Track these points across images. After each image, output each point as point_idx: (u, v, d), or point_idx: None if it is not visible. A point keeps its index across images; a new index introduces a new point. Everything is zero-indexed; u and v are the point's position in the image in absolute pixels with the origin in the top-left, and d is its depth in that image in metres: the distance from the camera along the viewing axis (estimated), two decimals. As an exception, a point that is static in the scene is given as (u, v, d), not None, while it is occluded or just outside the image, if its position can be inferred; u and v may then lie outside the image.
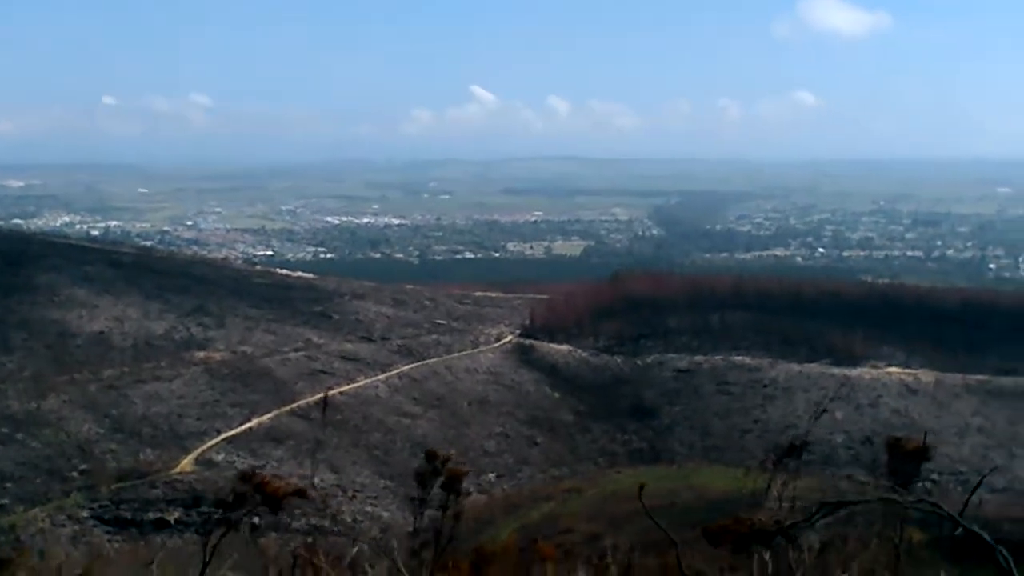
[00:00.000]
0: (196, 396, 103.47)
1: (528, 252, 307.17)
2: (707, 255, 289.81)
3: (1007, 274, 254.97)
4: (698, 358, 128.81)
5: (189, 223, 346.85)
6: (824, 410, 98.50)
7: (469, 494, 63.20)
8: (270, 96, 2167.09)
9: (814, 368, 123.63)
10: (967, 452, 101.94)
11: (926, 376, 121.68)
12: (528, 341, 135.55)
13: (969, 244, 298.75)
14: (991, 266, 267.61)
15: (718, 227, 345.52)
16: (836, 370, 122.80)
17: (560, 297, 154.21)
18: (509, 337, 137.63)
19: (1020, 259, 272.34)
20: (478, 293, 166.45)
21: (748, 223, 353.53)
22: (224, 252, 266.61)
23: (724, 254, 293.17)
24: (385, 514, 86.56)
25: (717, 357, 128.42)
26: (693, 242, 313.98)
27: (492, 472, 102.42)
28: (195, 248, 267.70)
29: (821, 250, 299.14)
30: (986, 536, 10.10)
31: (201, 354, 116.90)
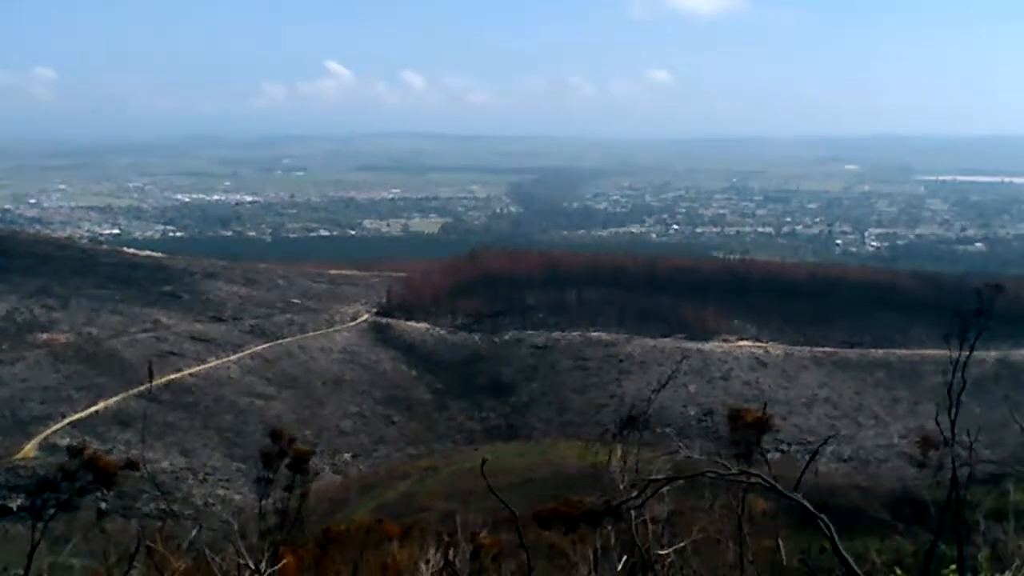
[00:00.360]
0: (39, 380, 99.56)
1: (385, 229, 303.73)
2: (565, 232, 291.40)
3: (853, 249, 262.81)
4: (555, 334, 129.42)
5: (32, 201, 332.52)
6: (665, 384, 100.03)
7: (317, 474, 62.16)
8: (117, 69, 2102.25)
9: (668, 343, 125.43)
10: (814, 422, 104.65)
11: (775, 349, 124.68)
12: (385, 319, 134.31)
13: (817, 220, 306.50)
14: (838, 241, 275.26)
15: (575, 204, 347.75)
16: (690, 344, 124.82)
17: (418, 275, 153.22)
18: (365, 316, 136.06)
19: (866, 234, 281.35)
20: (333, 271, 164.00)
21: (604, 200, 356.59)
22: (69, 231, 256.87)
23: (581, 231, 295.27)
24: (237, 496, 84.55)
25: (574, 333, 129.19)
26: (551, 219, 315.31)
27: (348, 452, 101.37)
28: (38, 227, 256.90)
29: (676, 227, 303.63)
30: (808, 505, 9.95)
31: (45, 336, 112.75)
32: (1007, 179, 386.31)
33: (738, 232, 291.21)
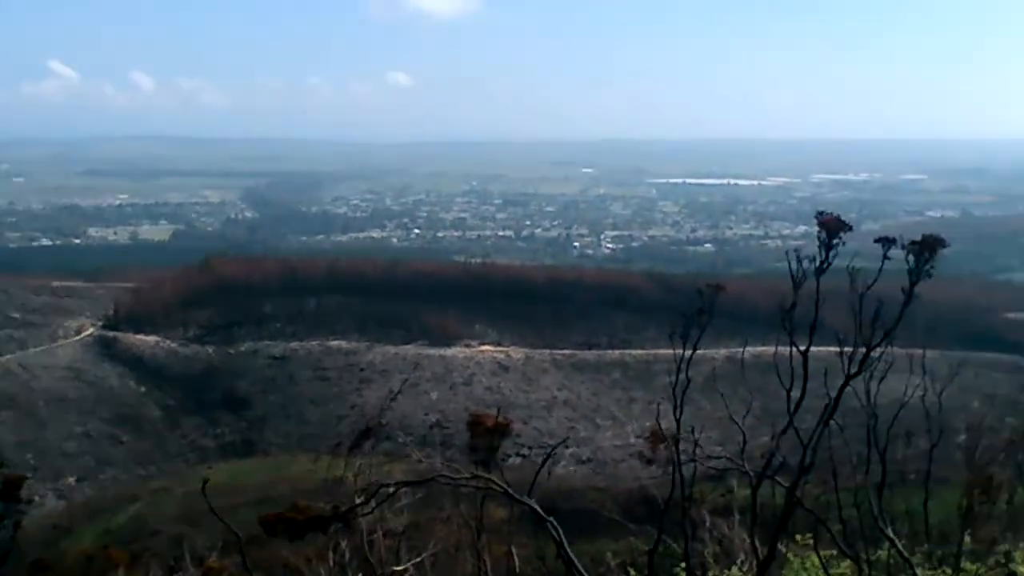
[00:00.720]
0: None
1: (112, 237, 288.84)
2: (303, 238, 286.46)
3: (590, 251, 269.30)
4: (293, 344, 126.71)
5: None
6: (398, 393, 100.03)
7: (32, 501, 58.26)
8: None
9: (410, 350, 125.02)
10: (554, 425, 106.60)
11: (516, 353, 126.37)
12: (112, 333, 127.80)
13: (556, 223, 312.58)
14: (576, 244, 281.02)
15: (314, 209, 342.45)
16: (432, 350, 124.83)
17: (147, 285, 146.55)
18: (91, 330, 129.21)
19: (602, 237, 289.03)
20: (56, 283, 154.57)
21: (344, 205, 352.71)
22: None
23: (320, 236, 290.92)
24: (-50, 531, 78.41)
25: (313, 342, 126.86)
26: (288, 224, 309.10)
27: (72, 475, 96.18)
28: None
29: (417, 231, 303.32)
30: (538, 508, 9.56)
31: None
32: (733, 181, 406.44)
33: (479, 236, 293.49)
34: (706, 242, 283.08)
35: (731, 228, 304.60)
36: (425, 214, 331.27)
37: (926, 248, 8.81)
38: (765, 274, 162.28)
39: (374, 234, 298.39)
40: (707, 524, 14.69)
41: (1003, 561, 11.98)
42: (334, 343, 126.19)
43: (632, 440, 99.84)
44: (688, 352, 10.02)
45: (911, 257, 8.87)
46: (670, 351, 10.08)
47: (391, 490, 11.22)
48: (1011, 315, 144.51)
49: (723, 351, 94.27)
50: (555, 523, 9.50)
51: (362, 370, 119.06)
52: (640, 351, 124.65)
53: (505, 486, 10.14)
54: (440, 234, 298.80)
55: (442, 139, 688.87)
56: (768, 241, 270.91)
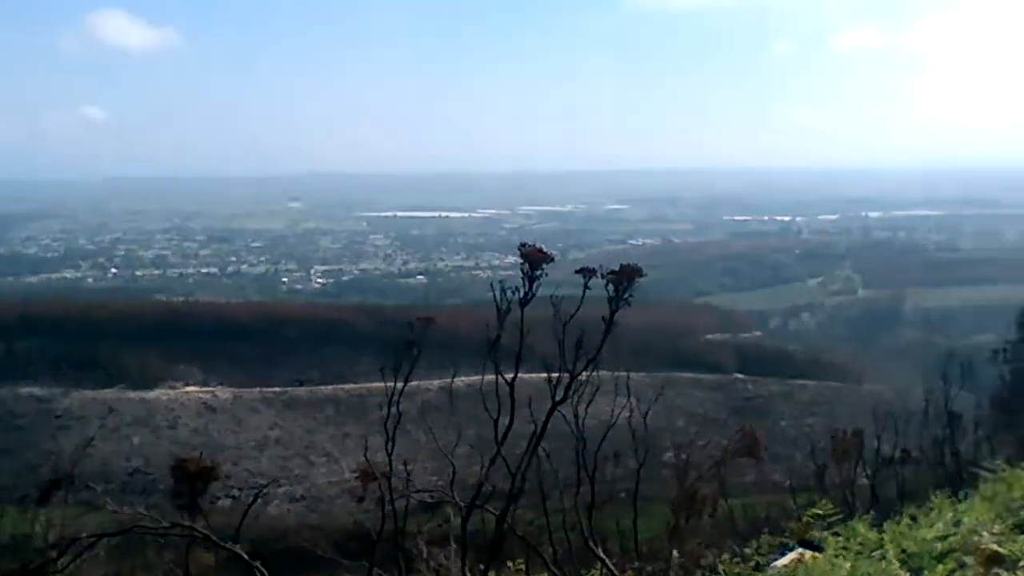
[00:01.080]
0: None
1: None
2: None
3: (299, 287, 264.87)
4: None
5: None
6: (90, 441, 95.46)
7: None
8: None
9: (110, 394, 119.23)
10: (266, 465, 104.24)
11: (224, 393, 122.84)
12: None
13: (263, 259, 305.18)
14: (284, 279, 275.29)
15: (1, 250, 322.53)
16: (133, 394, 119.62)
17: None
18: None
19: (312, 271, 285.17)
20: None
21: (35, 245, 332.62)
22: None
23: (10, 278, 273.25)
24: None
25: (3, 390, 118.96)
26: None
27: None
28: None
29: (114, 270, 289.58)
30: (241, 553, 9.37)
31: None
32: (444, 214, 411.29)
33: (181, 274, 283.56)
34: (418, 274, 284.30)
35: (443, 259, 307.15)
36: (123, 253, 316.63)
37: (624, 277, 9.17)
38: (476, 304, 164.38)
39: (67, 275, 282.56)
40: (424, 555, 14.67)
41: (707, 575, 12.53)
42: (25, 390, 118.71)
43: (347, 476, 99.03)
44: (399, 384, 9.99)
45: (611, 287, 9.18)
46: (383, 384, 9.99)
47: (84, 543, 10.60)
48: (711, 336, 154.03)
49: (436, 382, 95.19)
50: (261, 566, 9.27)
51: (58, 417, 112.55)
52: (353, 385, 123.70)
53: (206, 532, 9.79)
54: (139, 273, 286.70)
55: (139, 175, 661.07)
56: (479, 271, 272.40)
